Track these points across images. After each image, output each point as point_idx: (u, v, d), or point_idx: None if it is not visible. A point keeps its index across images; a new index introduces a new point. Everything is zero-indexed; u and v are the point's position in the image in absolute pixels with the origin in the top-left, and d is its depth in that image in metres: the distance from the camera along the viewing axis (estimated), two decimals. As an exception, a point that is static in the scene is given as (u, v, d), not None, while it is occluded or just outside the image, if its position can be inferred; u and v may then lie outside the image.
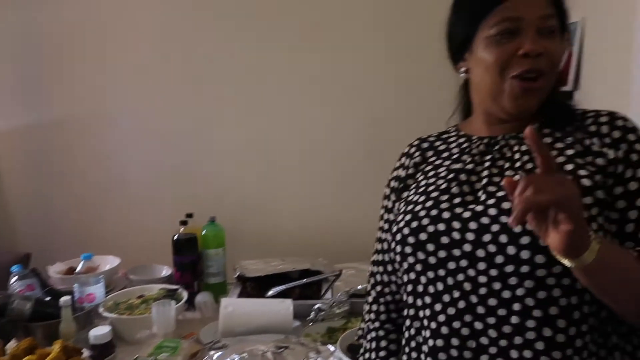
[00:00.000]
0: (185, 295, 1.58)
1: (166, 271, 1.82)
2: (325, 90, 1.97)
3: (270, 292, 1.56)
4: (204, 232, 1.76)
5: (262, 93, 1.97)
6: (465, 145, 0.90)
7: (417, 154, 0.96)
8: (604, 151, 0.78)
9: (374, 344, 0.98)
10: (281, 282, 1.62)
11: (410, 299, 0.87)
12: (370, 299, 1.00)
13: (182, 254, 1.72)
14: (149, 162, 2.01)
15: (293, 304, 1.41)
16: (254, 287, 1.63)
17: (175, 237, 1.72)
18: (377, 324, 0.98)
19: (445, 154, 0.92)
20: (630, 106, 1.45)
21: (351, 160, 1.99)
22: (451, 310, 0.79)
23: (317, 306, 1.50)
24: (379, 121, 1.97)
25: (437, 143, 0.95)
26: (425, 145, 0.96)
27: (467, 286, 0.78)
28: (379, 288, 0.99)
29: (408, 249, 0.84)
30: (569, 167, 0.77)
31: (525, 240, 0.73)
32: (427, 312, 0.83)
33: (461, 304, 0.78)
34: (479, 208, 0.79)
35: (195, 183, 2.00)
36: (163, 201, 2.00)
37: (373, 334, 0.98)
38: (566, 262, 0.67)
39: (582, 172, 0.76)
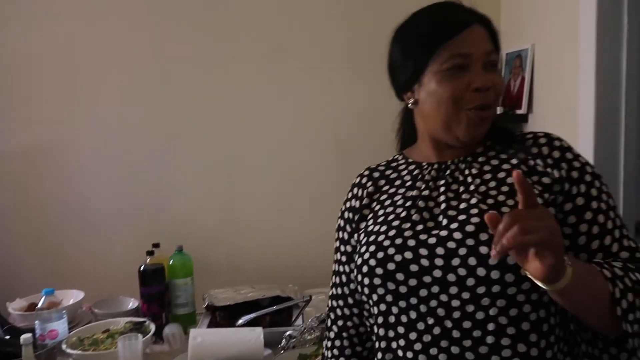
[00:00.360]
0: (152, 327, 1.55)
1: (132, 303, 1.78)
2: (291, 117, 2.00)
3: (240, 321, 1.55)
4: (171, 262, 1.73)
5: (227, 120, 1.98)
6: (416, 172, 0.92)
7: (369, 183, 0.97)
8: (548, 171, 0.83)
9: None
10: (251, 310, 1.60)
11: (382, 331, 0.87)
12: (332, 334, 0.99)
13: (149, 285, 1.68)
14: (112, 192, 1.97)
15: (264, 332, 1.40)
16: (224, 316, 1.61)
17: (142, 268, 1.69)
18: None
19: (398, 182, 0.94)
20: (578, 127, 1.53)
21: (319, 184, 2.01)
22: (427, 338, 0.80)
23: (287, 333, 1.49)
24: (346, 145, 2.00)
25: (388, 172, 0.97)
26: (376, 174, 0.98)
27: (441, 312, 0.79)
28: (340, 322, 0.97)
29: (377, 280, 0.83)
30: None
31: (493, 260, 0.76)
32: (402, 342, 0.83)
33: (436, 330, 0.79)
34: (444, 233, 0.81)
35: (161, 212, 1.98)
36: (128, 231, 1.97)
37: None
38: (542, 285, 0.69)
39: None
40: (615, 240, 0.81)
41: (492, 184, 0.84)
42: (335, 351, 0.98)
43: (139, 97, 1.95)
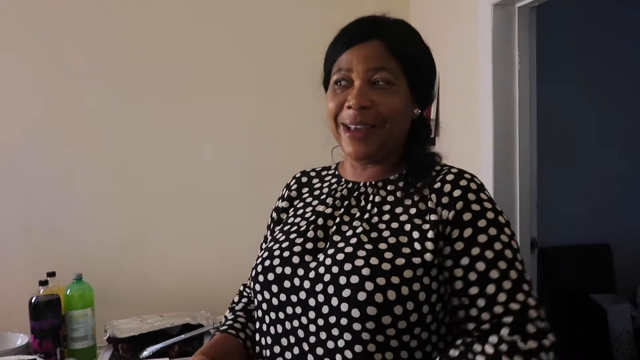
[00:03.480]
0: (44, 365, 1.40)
1: (22, 340, 1.60)
2: (201, 142, 1.93)
3: (145, 353, 1.44)
4: (68, 292, 1.59)
5: (132, 139, 1.87)
6: (334, 186, 0.92)
7: (294, 187, 0.98)
8: (438, 210, 0.79)
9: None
10: (160, 341, 1.50)
11: (257, 336, 0.88)
12: (230, 312, 1.00)
13: (41, 318, 1.52)
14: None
15: (171, 363, 1.31)
16: (127, 348, 1.49)
17: (33, 300, 1.53)
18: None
19: (316, 193, 0.93)
20: (480, 149, 1.63)
21: (229, 209, 1.95)
22: (288, 355, 0.81)
23: (197, 363, 1.41)
24: (258, 171, 1.97)
25: (315, 180, 0.97)
26: (304, 179, 0.98)
27: (301, 333, 0.80)
28: (240, 306, 1.00)
29: (257, 287, 0.85)
30: (407, 227, 0.79)
31: (346, 293, 0.75)
32: (268, 352, 0.84)
33: (295, 350, 0.80)
34: (321, 257, 0.81)
35: (57, 237, 1.80)
36: (18, 259, 1.76)
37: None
38: None
39: (415, 235, 0.78)
40: (502, 290, 0.74)
41: (386, 217, 0.82)
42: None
43: (35, 115, 1.79)
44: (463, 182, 0.80)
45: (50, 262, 1.65)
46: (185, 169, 1.92)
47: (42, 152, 1.80)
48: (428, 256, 0.76)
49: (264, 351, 0.86)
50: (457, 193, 0.79)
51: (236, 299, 1.03)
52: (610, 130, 2.64)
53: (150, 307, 1.78)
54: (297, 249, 0.83)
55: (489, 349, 0.71)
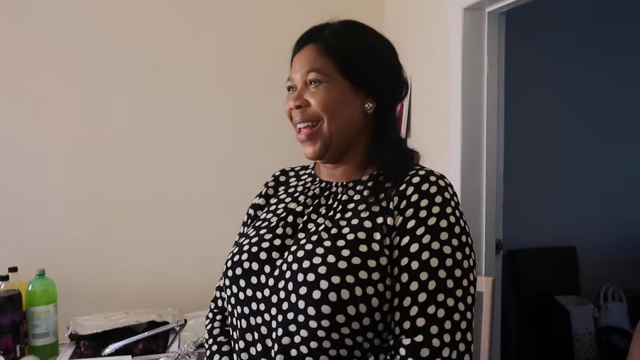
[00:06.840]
0: (1, 362, 1.37)
1: (-20, 336, 1.56)
2: (169, 136, 1.91)
3: (107, 350, 1.42)
4: (30, 288, 1.55)
5: (97, 136, 1.84)
6: (308, 185, 0.93)
7: (272, 184, 1.00)
8: (395, 214, 0.79)
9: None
10: (125, 338, 1.48)
11: (230, 330, 0.89)
12: (208, 322, 0.99)
13: (0, 314, 1.48)
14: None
15: (134, 360, 1.30)
16: (88, 346, 1.46)
17: (-7, 295, 1.49)
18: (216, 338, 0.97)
19: (291, 190, 0.95)
20: (449, 151, 1.66)
21: (197, 204, 1.94)
22: (252, 351, 0.82)
23: (161, 360, 1.40)
24: (227, 167, 1.96)
25: (292, 178, 0.99)
26: (282, 178, 1.00)
27: (264, 330, 0.81)
28: (219, 317, 0.98)
29: (227, 281, 0.86)
30: (368, 224, 0.80)
31: (303, 290, 0.76)
32: (236, 346, 0.85)
33: (259, 347, 0.81)
34: (286, 254, 0.82)
35: (20, 232, 1.77)
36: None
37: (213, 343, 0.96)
38: None
39: (376, 236, 0.78)
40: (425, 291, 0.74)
41: (348, 214, 0.83)
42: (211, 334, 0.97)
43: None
44: (425, 186, 0.79)
45: (13, 257, 1.61)
46: (152, 167, 1.90)
47: (7, 147, 1.76)
48: (383, 260, 0.77)
49: (235, 344, 0.86)
50: (414, 198, 0.79)
51: (210, 315, 1.00)
52: (575, 135, 2.70)
53: (117, 304, 1.76)
54: (265, 245, 0.84)
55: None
